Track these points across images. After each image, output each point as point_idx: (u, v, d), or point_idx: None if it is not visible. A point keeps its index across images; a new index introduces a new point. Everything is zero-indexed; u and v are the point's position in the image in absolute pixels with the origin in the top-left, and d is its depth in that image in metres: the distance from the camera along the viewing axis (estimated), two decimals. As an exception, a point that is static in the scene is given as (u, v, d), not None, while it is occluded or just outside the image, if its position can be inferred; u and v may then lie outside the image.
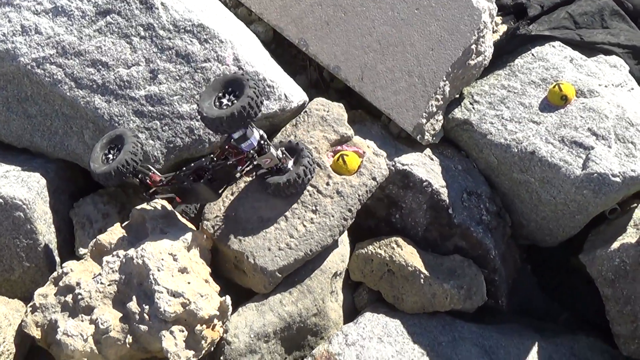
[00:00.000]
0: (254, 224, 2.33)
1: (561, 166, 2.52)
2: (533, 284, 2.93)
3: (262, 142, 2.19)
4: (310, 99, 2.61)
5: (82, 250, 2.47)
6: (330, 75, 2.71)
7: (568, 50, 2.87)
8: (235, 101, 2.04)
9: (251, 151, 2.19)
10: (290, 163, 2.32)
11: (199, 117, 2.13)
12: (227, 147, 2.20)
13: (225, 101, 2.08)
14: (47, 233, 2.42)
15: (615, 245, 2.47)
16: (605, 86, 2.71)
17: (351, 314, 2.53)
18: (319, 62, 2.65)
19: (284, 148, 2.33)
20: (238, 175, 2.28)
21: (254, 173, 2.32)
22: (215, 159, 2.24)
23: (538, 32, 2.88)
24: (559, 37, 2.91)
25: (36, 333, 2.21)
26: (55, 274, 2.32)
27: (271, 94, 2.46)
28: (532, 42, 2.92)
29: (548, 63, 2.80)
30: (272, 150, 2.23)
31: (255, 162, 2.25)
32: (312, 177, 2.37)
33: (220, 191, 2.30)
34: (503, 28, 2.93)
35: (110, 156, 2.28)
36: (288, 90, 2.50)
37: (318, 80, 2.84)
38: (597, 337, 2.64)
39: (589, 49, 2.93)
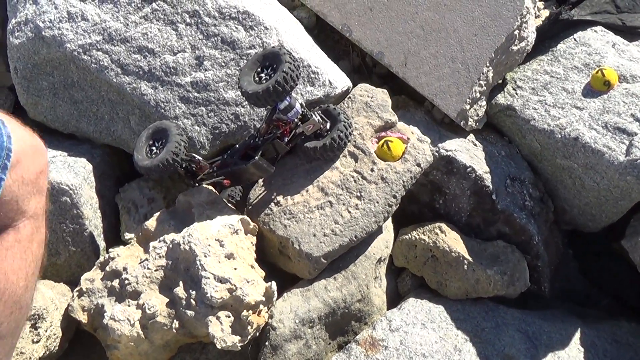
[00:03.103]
0: (299, 208, 2.34)
1: (604, 152, 2.50)
2: (575, 270, 2.92)
3: (303, 109, 2.23)
4: (353, 85, 2.61)
5: (127, 235, 2.49)
6: (373, 60, 2.71)
7: (610, 35, 2.85)
8: (273, 74, 2.07)
9: (295, 119, 2.22)
10: (328, 126, 2.34)
11: (241, 93, 2.18)
12: (273, 120, 2.22)
13: (263, 75, 2.12)
14: (93, 218, 2.44)
15: (658, 231, 2.46)
16: (648, 71, 2.69)
17: (394, 299, 2.54)
18: (362, 47, 2.65)
19: (321, 112, 2.35)
20: (286, 145, 2.31)
21: (298, 140, 2.36)
22: (261, 134, 2.27)
23: (580, 17, 2.86)
24: (601, 22, 2.89)
25: (83, 317, 2.24)
26: (101, 258, 2.34)
27: (316, 80, 2.46)
28: (574, 27, 2.89)
29: (590, 48, 2.78)
30: (314, 116, 2.26)
31: (298, 130, 2.28)
32: (349, 140, 2.40)
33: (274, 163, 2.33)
34: (545, 13, 2.91)
35: (154, 149, 2.31)
36: (332, 76, 2.50)
37: (361, 65, 2.84)
38: (639, 322, 2.63)
39: (631, 33, 2.90)
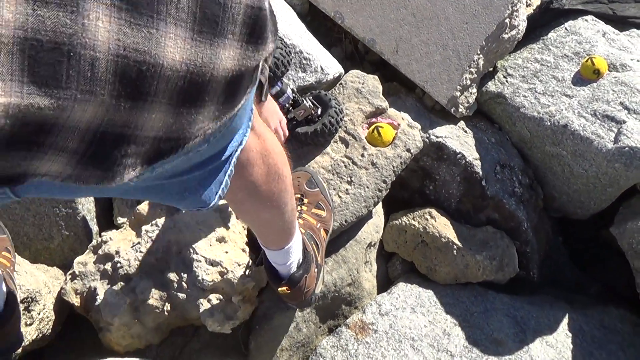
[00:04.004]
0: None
1: (593, 139, 2.52)
2: (564, 257, 2.94)
3: (294, 95, 2.24)
4: (346, 71, 2.62)
5: (120, 219, 2.50)
6: (365, 47, 2.72)
7: (601, 25, 2.87)
8: None
9: (287, 105, 2.24)
10: (319, 112, 2.36)
11: None
12: None
13: None
14: (86, 202, 2.45)
15: (646, 218, 2.48)
16: (638, 60, 2.70)
17: (385, 284, 2.56)
18: (354, 34, 2.66)
19: (312, 98, 2.36)
20: None
21: (289, 126, 2.36)
22: None
23: (571, 6, 2.88)
24: (592, 11, 2.91)
25: (75, 300, 2.25)
26: (94, 242, 2.35)
27: (307, 67, 2.47)
28: (565, 15, 2.91)
29: (581, 37, 2.80)
30: (305, 101, 2.28)
31: (290, 116, 2.30)
32: (340, 125, 2.42)
33: None
34: (536, 2, 2.92)
35: None
36: (324, 62, 2.52)
37: (353, 52, 2.85)
38: (627, 309, 2.65)
39: (622, 23, 2.92)
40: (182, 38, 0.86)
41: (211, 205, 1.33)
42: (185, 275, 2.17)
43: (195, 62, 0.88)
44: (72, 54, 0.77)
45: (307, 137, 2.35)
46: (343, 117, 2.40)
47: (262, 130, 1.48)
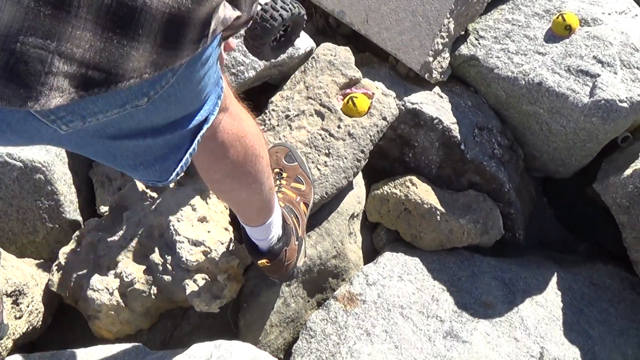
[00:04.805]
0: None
1: (568, 95, 2.52)
2: (550, 217, 2.95)
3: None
4: (318, 46, 2.63)
5: (103, 208, 2.51)
6: (337, 21, 2.72)
7: (570, -20, 2.86)
8: None
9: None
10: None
11: None
12: None
13: None
14: (68, 193, 2.46)
15: (628, 172, 2.48)
16: (609, 14, 2.70)
17: (371, 254, 2.57)
18: (324, 8, 2.66)
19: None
20: None
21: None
22: None
23: (539, -36, 2.87)
24: (561, -33, 2.91)
25: (63, 291, 2.27)
26: (77, 232, 2.36)
27: (279, 44, 2.47)
28: (535, -26, 2.90)
29: (551, -6, 2.80)
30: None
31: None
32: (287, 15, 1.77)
33: None
34: (504, -39, 2.92)
35: None
36: (295, 38, 2.51)
37: (324, 26, 2.86)
38: (616, 265, 2.67)
39: (592, -23, 2.93)
40: None
41: (168, 180, 1.34)
42: (169, 258, 2.18)
43: None
44: None
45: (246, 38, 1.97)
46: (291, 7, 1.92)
47: (237, 111, 1.49)
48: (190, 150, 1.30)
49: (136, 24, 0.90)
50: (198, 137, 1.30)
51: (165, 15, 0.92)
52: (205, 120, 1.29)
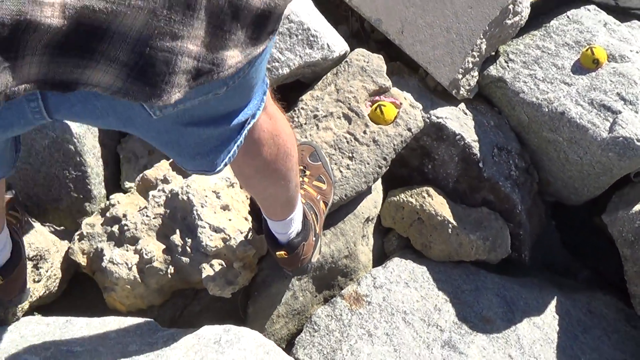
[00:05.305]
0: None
1: (589, 128, 2.58)
2: (556, 241, 3.01)
3: None
4: (351, 49, 2.68)
5: (127, 184, 2.57)
6: (371, 26, 2.78)
7: (603, 15, 2.92)
8: None
9: None
10: None
11: None
12: None
13: None
14: (95, 166, 2.52)
15: (637, 207, 2.54)
16: (637, 52, 2.76)
17: (380, 258, 2.64)
18: (361, 14, 2.72)
19: None
20: None
21: None
22: None
23: (574, -6, 2.93)
24: (594, 1, 2.96)
25: (82, 260, 2.33)
26: (102, 205, 2.43)
27: (314, 43, 2.53)
28: (568, 4, 2.96)
29: (582, 26, 2.86)
30: None
31: None
32: None
33: None
34: (541, -11, 2.97)
35: None
36: (331, 40, 2.58)
37: (359, 30, 2.91)
38: (614, 295, 2.73)
39: (624, 14, 2.98)
40: None
41: (216, 170, 1.45)
42: (189, 240, 2.25)
43: None
44: None
45: None
46: None
47: (273, 111, 1.57)
48: (238, 142, 1.40)
49: (238, 18, 1.01)
50: (245, 131, 1.39)
51: (259, 10, 1.04)
52: (253, 115, 1.38)
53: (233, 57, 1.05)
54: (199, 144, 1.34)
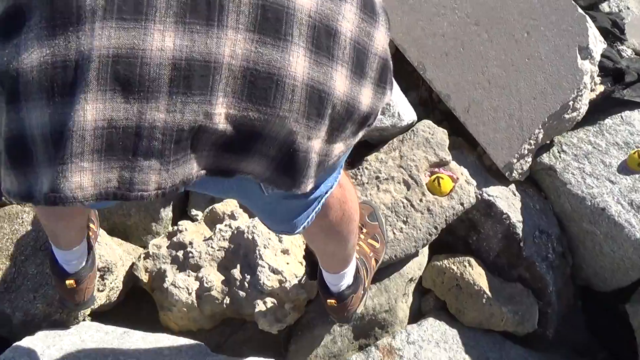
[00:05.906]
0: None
1: (625, 227, 2.74)
2: (581, 321, 3.15)
3: None
4: (418, 116, 2.85)
5: (194, 211, 2.75)
6: (439, 97, 2.93)
7: (655, 119, 3.07)
8: None
9: None
10: None
11: None
12: None
13: None
14: (166, 191, 2.66)
15: (659, 304, 2.70)
16: (681, 162, 2.91)
17: (416, 315, 2.78)
18: (432, 87, 2.88)
19: None
20: None
21: None
22: None
23: (630, 98, 3.07)
24: (651, 106, 3.12)
25: (144, 277, 2.51)
26: (170, 229, 2.60)
27: (386, 111, 2.70)
28: (624, 105, 3.10)
29: (634, 128, 3.01)
30: None
31: None
32: None
33: None
34: (600, 88, 3.12)
35: None
36: (402, 109, 2.75)
37: (427, 100, 3.08)
38: (629, 379, 2.85)
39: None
40: (345, 76, 1.20)
41: (295, 233, 1.70)
42: (248, 277, 2.42)
43: (351, 96, 1.23)
44: (279, 82, 1.11)
45: None
46: None
47: (343, 180, 1.77)
48: (317, 209, 1.63)
49: (350, 120, 1.26)
50: (323, 199, 1.61)
51: (365, 113, 1.29)
52: (332, 187, 1.60)
53: (339, 148, 1.28)
54: (288, 211, 1.58)
